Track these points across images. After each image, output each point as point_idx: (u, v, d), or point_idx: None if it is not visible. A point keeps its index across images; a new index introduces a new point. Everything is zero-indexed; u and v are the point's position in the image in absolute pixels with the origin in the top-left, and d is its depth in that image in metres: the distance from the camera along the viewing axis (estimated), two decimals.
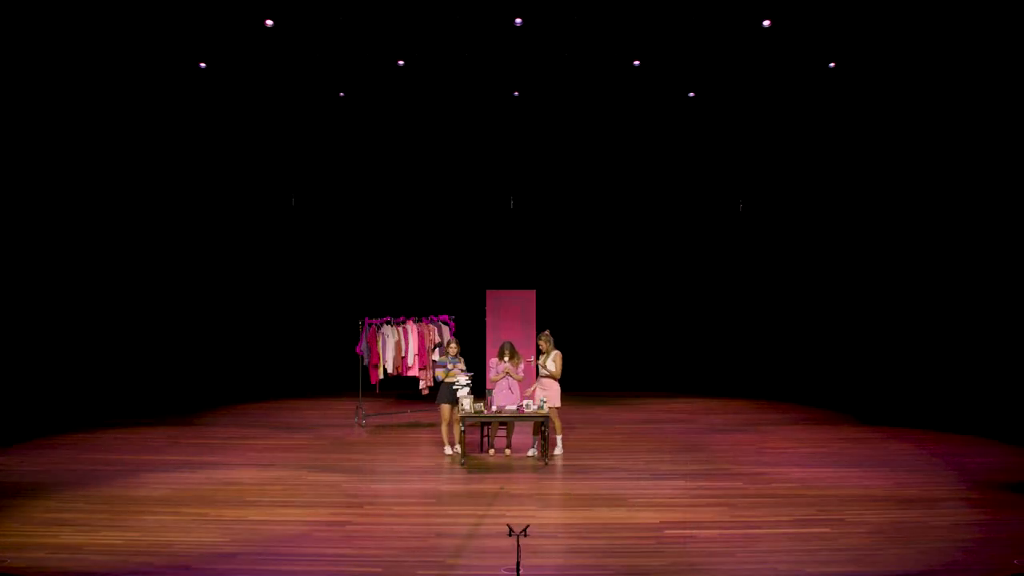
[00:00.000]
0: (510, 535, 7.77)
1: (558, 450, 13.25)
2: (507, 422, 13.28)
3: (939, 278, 18.00)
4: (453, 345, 13.66)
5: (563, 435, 13.71)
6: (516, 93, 17.80)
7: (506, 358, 13.56)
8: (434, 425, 15.56)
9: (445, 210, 20.03)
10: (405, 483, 11.57)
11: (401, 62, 16.16)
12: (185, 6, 14.55)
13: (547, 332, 13.44)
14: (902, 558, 8.64)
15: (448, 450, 13.33)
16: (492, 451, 13.48)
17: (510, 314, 18.35)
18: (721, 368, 19.95)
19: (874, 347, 18.87)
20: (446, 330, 16.26)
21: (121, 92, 17.54)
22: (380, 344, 15.76)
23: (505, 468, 12.48)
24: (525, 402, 12.96)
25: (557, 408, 13.22)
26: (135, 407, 17.13)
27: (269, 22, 14.43)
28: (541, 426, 12.84)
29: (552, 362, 13.22)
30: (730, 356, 20.06)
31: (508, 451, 13.44)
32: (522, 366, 13.87)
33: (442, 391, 13.41)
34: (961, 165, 17.44)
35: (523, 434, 14.69)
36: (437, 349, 16.15)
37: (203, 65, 15.97)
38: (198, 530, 9.52)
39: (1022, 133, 16.20)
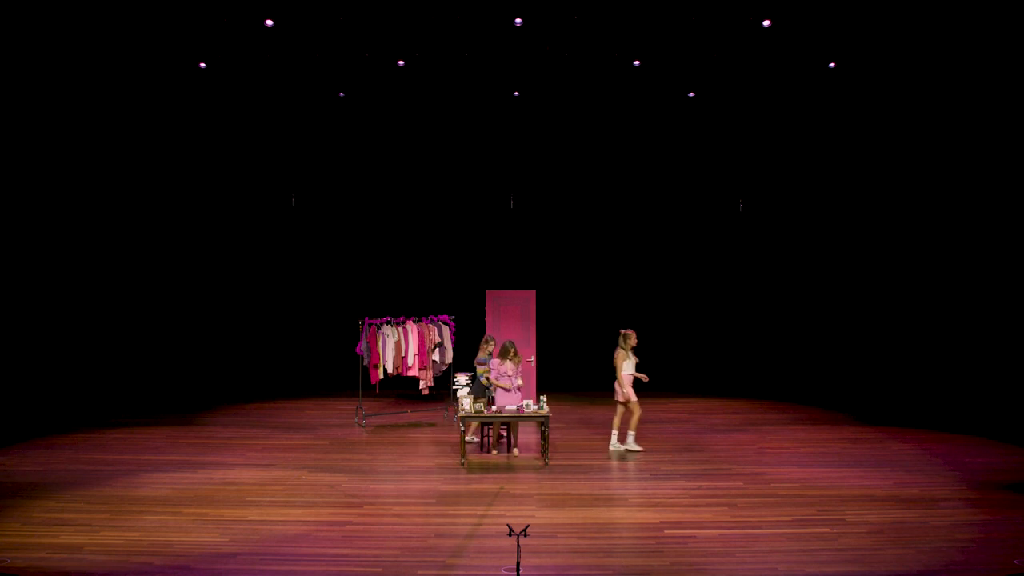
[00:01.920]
0: (510, 535, 7.77)
1: (632, 444, 13.35)
2: (510, 423, 13.29)
3: (938, 278, 18.00)
4: (490, 344, 13.80)
5: (555, 436, 13.69)
6: (516, 93, 17.80)
7: (509, 357, 13.55)
8: (434, 425, 15.57)
9: (445, 210, 20.03)
10: (405, 483, 11.57)
11: (401, 62, 16.17)
12: (185, 6, 14.55)
13: (630, 331, 13.42)
14: (902, 558, 8.64)
15: (471, 438, 13.78)
16: (495, 451, 13.48)
17: (510, 314, 18.34)
18: (721, 368, 19.95)
19: (874, 347, 18.87)
20: (446, 330, 16.25)
21: (122, 92, 17.55)
22: (380, 344, 15.74)
23: (505, 468, 12.48)
24: (525, 402, 12.97)
25: (634, 401, 13.34)
26: (135, 407, 17.13)
27: (269, 22, 14.43)
28: (541, 426, 12.84)
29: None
30: (730, 356, 20.06)
31: (516, 451, 13.42)
32: (521, 367, 13.84)
33: (476, 388, 13.61)
34: (960, 165, 17.44)
35: (527, 434, 14.70)
36: (437, 349, 16.14)
37: (203, 65, 15.98)
38: (198, 530, 9.52)
39: (1021, 133, 16.21)
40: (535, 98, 18.22)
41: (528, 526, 7.90)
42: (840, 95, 17.65)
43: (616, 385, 13.44)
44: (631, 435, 13.44)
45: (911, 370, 18.15)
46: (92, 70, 16.57)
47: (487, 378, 13.65)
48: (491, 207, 19.87)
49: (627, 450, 13.38)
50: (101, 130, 18.22)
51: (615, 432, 13.57)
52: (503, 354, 13.58)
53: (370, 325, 15.69)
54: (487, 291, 18.38)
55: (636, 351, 13.54)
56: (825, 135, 18.82)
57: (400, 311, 16.52)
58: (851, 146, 18.73)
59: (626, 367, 13.34)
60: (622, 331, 13.47)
